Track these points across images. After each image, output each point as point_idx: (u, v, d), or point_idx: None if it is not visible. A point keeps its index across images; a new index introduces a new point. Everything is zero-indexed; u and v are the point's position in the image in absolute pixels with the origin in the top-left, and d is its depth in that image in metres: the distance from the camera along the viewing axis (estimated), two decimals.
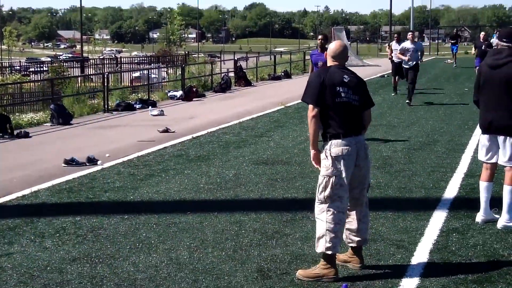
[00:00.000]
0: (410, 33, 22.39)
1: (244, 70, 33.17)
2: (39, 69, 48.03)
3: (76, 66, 47.29)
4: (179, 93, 25.79)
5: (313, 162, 6.65)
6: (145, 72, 34.58)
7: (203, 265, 6.71)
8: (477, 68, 20.30)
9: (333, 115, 6.38)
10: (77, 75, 38.39)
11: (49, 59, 72.64)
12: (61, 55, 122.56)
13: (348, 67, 6.81)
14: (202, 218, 8.43)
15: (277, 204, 9.22)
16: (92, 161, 12.45)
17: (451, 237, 7.56)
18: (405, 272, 6.49)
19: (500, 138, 7.85)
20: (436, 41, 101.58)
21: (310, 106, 6.48)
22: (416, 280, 6.29)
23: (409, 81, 21.18)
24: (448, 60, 46.78)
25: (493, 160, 8.01)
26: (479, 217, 8.13)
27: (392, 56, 24.36)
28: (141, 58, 60.23)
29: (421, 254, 6.99)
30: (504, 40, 7.91)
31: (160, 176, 11.09)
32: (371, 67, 42.09)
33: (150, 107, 21.97)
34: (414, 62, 21.23)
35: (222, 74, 31.76)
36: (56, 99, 21.35)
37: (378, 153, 12.75)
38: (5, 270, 6.67)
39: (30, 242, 7.54)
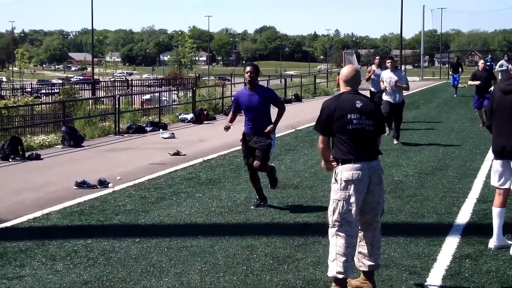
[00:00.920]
0: (389, 60, 18.05)
1: None
2: (50, 91, 48.28)
3: (87, 88, 47.43)
4: (189, 115, 25.85)
5: (323, 168, 6.93)
6: (156, 94, 34.72)
7: None
8: (483, 104, 19.88)
9: (345, 141, 6.39)
10: (88, 97, 38.51)
11: (60, 81, 73.19)
12: (72, 77, 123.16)
13: (361, 90, 6.82)
14: (213, 242, 8.41)
15: (288, 228, 9.19)
16: (103, 183, 12.46)
17: (464, 263, 7.51)
18: None
19: None
20: (447, 65, 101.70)
21: (320, 136, 6.56)
22: None
23: (395, 121, 17.87)
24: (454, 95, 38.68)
25: (506, 186, 7.96)
26: (492, 243, 8.07)
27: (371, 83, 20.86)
28: (151, 81, 60.46)
29: (434, 280, 6.94)
30: None
31: (171, 199, 11.08)
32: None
33: (161, 129, 22.02)
34: (400, 99, 17.72)
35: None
36: (68, 122, 21.43)
37: (389, 177, 12.71)
38: None
39: (41, 265, 7.54)
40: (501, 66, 36.13)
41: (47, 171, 14.64)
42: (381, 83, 17.93)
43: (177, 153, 16.50)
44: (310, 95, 40.34)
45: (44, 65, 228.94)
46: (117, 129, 21.98)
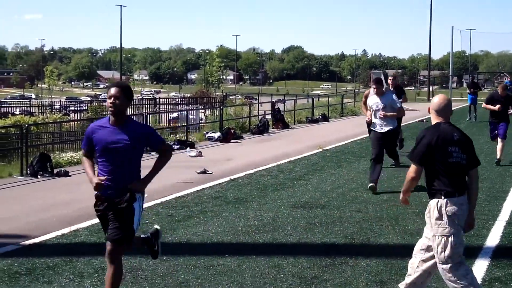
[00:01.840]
0: (374, 85, 14.48)
1: (282, 113, 33.26)
2: (78, 108, 48.66)
3: None
4: (217, 134, 25.90)
5: (401, 200, 6.95)
6: (183, 113, 34.85)
7: None
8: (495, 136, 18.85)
9: (445, 174, 6.35)
10: None
11: (89, 99, 73.75)
12: (100, 94, 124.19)
13: None
14: (240, 261, 8.39)
15: (315, 249, 9.15)
16: None
17: (493, 286, 7.43)
18: None
19: None
20: (465, 85, 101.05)
21: (414, 165, 6.49)
22: None
23: (388, 151, 15.44)
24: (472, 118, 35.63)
25: None
26: None
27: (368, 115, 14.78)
28: (179, 99, 60.78)
29: None
30: None
31: (198, 218, 11.09)
32: (409, 111, 41.83)
33: (188, 148, 22.07)
34: (389, 127, 14.15)
35: (260, 116, 31.87)
36: None
37: (417, 198, 12.62)
38: None
39: (69, 282, 7.57)
40: None
41: (75, 188, 14.71)
42: (367, 111, 14.67)
43: (204, 172, 16.52)
44: (338, 115, 40.26)
45: (72, 83, 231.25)
46: None
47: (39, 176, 16.13)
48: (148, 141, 7.15)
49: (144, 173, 6.86)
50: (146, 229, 10.24)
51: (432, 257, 6.47)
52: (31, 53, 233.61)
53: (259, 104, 40.63)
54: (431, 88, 74.28)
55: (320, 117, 37.02)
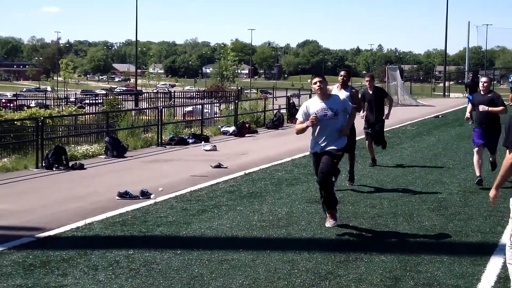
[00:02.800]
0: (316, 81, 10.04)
1: (297, 107, 33.21)
2: (94, 101, 48.79)
3: (130, 99, 47.94)
4: (231, 128, 25.90)
5: (491, 200, 7.06)
6: (198, 107, 34.87)
7: None
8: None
9: None
10: (131, 108, 38.86)
11: (104, 92, 73.94)
12: (115, 88, 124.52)
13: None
14: (254, 256, 8.39)
15: (330, 244, 9.13)
16: (145, 194, 12.52)
17: (509, 284, 7.36)
18: None
19: None
20: (492, 82, 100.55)
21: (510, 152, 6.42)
22: None
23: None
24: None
25: None
26: None
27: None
28: (194, 93, 60.83)
29: None
30: None
31: (212, 212, 11.09)
32: (425, 107, 41.71)
33: (203, 142, 22.09)
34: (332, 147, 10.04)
35: (275, 111, 31.84)
36: (111, 132, 21.61)
37: (433, 195, 12.58)
38: None
39: (83, 275, 7.58)
40: None
41: (90, 181, 14.76)
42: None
43: (219, 166, 16.52)
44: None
45: (88, 76, 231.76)
46: (159, 140, 22.10)
47: (54, 169, 16.19)
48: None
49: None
50: (160, 222, 10.26)
51: None
52: (47, 46, 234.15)
53: (274, 99, 40.57)
54: (446, 83, 73.89)
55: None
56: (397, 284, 7.33)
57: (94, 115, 34.65)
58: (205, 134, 24.84)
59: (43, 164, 16.48)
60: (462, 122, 30.64)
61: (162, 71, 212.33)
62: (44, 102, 49.25)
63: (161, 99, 45.25)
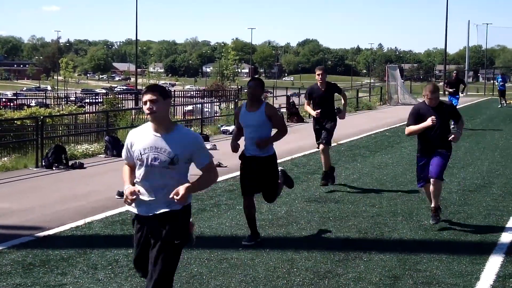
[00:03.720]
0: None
1: (296, 106, 33.21)
2: (94, 100, 48.78)
3: (131, 98, 47.91)
4: (231, 127, 25.89)
5: None
6: (198, 106, 34.89)
7: None
8: None
9: None
10: (131, 107, 38.86)
11: (104, 91, 73.92)
12: (115, 87, 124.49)
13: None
14: (253, 255, 8.40)
15: (329, 243, 9.13)
16: None
17: (507, 282, 7.39)
18: None
19: None
20: (492, 81, 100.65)
21: None
22: None
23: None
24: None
25: None
26: None
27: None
28: (194, 92, 60.83)
29: None
30: None
31: (212, 211, 11.09)
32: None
33: None
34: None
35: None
36: (111, 131, 21.61)
37: None
38: None
39: (82, 274, 7.59)
40: None
41: (90, 180, 14.76)
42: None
43: (219, 165, 16.52)
44: (353, 109, 40.14)
45: (88, 75, 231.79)
46: None
47: (54, 168, 16.19)
48: None
49: None
50: None
51: None
52: (47, 45, 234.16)
53: (274, 98, 40.56)
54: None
55: (335, 111, 36.86)
56: (396, 283, 7.34)
57: (94, 114, 34.64)
58: (205, 133, 24.83)
59: (43, 163, 16.48)
60: None
61: (162, 70, 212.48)
62: (44, 101, 49.27)
63: None
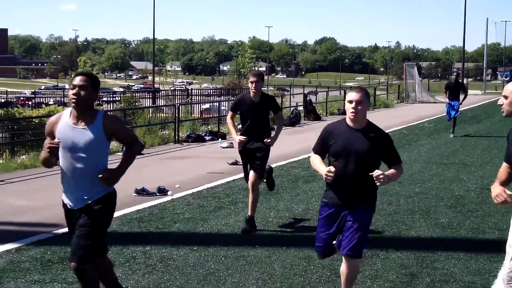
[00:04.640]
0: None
1: (313, 104, 33.19)
2: (111, 99, 48.92)
3: (148, 97, 48.01)
4: None
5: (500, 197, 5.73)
6: (215, 104, 34.91)
7: None
8: None
9: None
10: (148, 105, 38.94)
11: (122, 89, 74.16)
12: (133, 85, 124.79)
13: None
14: (270, 252, 8.41)
15: None
16: (162, 191, 12.57)
17: None
18: None
19: None
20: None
21: None
22: None
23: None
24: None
25: None
26: None
27: None
28: (211, 90, 60.89)
29: None
30: None
31: (229, 209, 11.12)
32: (443, 104, 41.50)
33: (219, 139, 22.13)
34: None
35: (292, 108, 31.82)
36: None
37: (450, 192, 12.56)
38: None
39: None
40: None
41: None
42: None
43: (235, 163, 16.53)
44: (370, 107, 40.06)
45: (105, 73, 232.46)
46: (176, 137, 22.16)
47: None
48: None
49: None
50: (177, 219, 10.30)
51: None
52: (65, 44, 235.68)
53: (291, 96, 40.53)
54: (465, 80, 73.54)
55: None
56: (413, 281, 7.33)
57: (111, 112, 34.73)
58: (222, 131, 24.86)
59: None
60: (480, 119, 30.57)
61: (180, 68, 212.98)
62: (62, 100, 49.47)
63: (178, 96, 45.31)
